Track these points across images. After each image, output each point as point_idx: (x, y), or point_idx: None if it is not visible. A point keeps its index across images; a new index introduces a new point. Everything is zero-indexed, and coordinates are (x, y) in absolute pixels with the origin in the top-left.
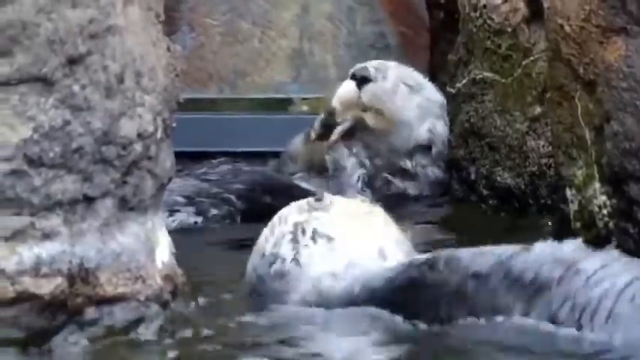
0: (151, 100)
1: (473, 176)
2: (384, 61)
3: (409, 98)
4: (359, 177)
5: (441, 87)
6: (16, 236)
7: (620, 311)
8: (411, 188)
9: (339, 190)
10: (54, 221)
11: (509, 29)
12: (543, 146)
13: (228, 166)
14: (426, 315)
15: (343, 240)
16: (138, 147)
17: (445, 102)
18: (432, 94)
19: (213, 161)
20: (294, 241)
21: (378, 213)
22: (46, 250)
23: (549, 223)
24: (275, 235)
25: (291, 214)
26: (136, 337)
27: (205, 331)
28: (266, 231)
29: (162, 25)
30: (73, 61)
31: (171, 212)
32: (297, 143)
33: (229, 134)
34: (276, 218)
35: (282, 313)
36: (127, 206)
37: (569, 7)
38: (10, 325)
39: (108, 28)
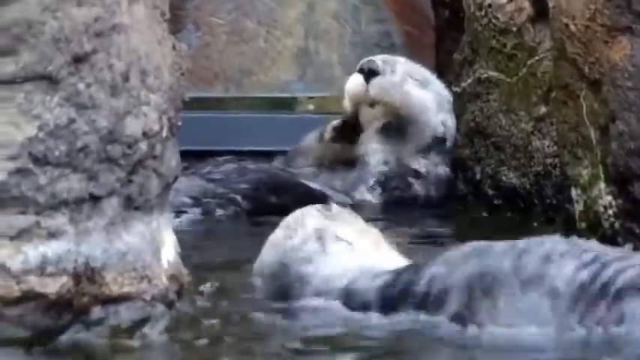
0: (156, 99)
1: (478, 176)
2: (392, 56)
3: (422, 91)
4: (376, 173)
5: (447, 86)
6: (21, 235)
7: None
8: (420, 189)
9: (351, 185)
10: (59, 220)
11: (515, 28)
12: (548, 146)
13: (233, 165)
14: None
15: (360, 246)
16: (143, 146)
17: (451, 98)
18: (440, 89)
19: (218, 159)
20: (319, 242)
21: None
22: (51, 249)
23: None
24: (297, 235)
25: (309, 217)
26: (142, 337)
27: (211, 331)
28: (284, 231)
29: (167, 23)
30: (78, 60)
31: (178, 213)
32: (310, 140)
33: (235, 133)
34: (292, 219)
35: (290, 313)
36: (132, 205)
37: (574, 7)
38: (16, 324)
39: (113, 26)
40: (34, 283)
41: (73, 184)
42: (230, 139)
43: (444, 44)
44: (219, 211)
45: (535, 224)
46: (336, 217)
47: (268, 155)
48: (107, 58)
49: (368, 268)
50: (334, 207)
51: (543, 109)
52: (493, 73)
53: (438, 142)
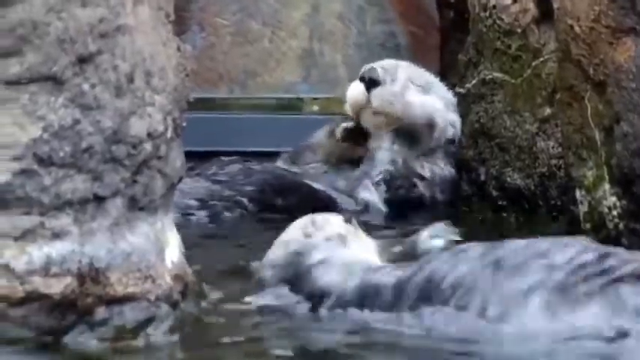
0: (161, 100)
1: (482, 177)
2: (394, 61)
3: (425, 97)
4: (381, 172)
5: (451, 87)
6: (25, 236)
7: None
8: (425, 190)
9: (355, 181)
10: (64, 221)
11: (519, 30)
12: (553, 147)
13: (238, 166)
14: None
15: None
16: (148, 146)
17: (456, 101)
18: (443, 93)
19: (223, 158)
20: (341, 240)
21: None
22: (55, 249)
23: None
24: (317, 235)
25: (332, 221)
26: (146, 337)
27: (215, 331)
28: (301, 231)
29: (172, 24)
30: (83, 60)
31: (185, 215)
32: (319, 136)
33: (239, 134)
34: (310, 221)
35: (296, 314)
36: (137, 206)
37: (579, 8)
38: (20, 325)
39: (118, 27)
40: (38, 283)
41: (77, 185)
42: (234, 139)
43: (448, 45)
44: (226, 214)
45: (539, 225)
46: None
47: (273, 156)
48: (112, 59)
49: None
50: (354, 222)
51: (548, 111)
52: (498, 75)
53: (448, 144)
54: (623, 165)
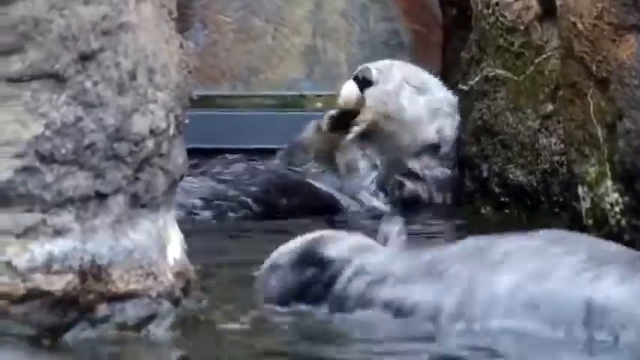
0: (163, 97)
1: (485, 174)
2: (390, 61)
3: (415, 98)
4: (372, 179)
5: (454, 84)
6: (27, 233)
7: None
8: (421, 191)
9: (354, 192)
10: (66, 218)
11: (522, 27)
12: (555, 144)
13: (242, 165)
14: None
15: None
16: (150, 143)
17: (455, 100)
18: (439, 93)
19: (228, 156)
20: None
21: None
22: (57, 246)
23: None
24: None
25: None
26: (147, 334)
27: (217, 329)
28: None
29: (174, 22)
30: (85, 58)
31: (189, 214)
32: (308, 132)
33: (242, 131)
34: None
35: (296, 311)
36: (138, 203)
37: (581, 5)
38: (21, 322)
39: (120, 24)
40: (40, 281)
41: (79, 182)
42: (237, 136)
43: (451, 43)
44: (231, 214)
45: (542, 221)
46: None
47: (275, 153)
48: (114, 56)
49: None
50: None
51: (550, 107)
52: (500, 72)
53: (431, 149)
54: (625, 161)
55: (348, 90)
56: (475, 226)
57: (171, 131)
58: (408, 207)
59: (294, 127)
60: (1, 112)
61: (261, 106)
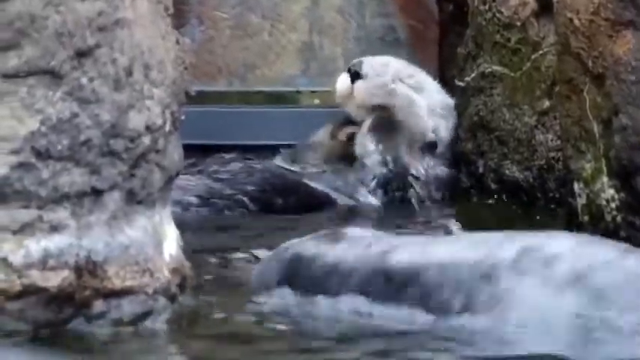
0: (159, 93)
1: (481, 170)
2: (389, 58)
3: (411, 94)
4: (375, 176)
5: (450, 80)
6: (24, 229)
7: None
8: (421, 190)
9: (352, 190)
10: (61, 214)
11: (519, 23)
12: (552, 140)
13: (239, 164)
14: None
15: None
16: (146, 140)
17: (451, 103)
18: (434, 94)
19: (225, 156)
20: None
21: None
22: (53, 242)
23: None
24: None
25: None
26: (144, 331)
27: (213, 325)
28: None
29: (171, 18)
30: (81, 54)
31: (186, 211)
32: (321, 136)
33: (238, 127)
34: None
35: (294, 310)
36: (134, 199)
37: (578, 1)
38: (17, 318)
39: (116, 21)
40: (36, 277)
41: (75, 178)
42: (233, 133)
43: (448, 39)
44: (227, 212)
45: (538, 217)
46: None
47: (272, 149)
48: (110, 52)
49: None
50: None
51: (547, 103)
52: (497, 68)
53: (429, 147)
54: (621, 157)
55: (341, 82)
56: (473, 223)
57: (168, 127)
58: (403, 205)
59: (290, 123)
60: None
61: (257, 102)
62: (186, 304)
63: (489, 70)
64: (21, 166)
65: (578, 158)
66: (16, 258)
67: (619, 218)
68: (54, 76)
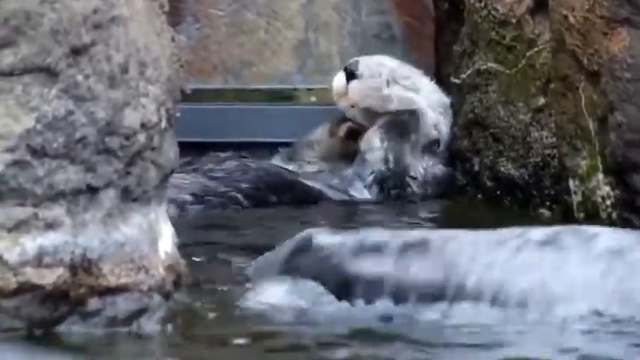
0: (154, 91)
1: (476, 167)
2: (386, 58)
3: (409, 94)
4: (373, 171)
5: (446, 78)
6: (19, 227)
7: None
8: (417, 188)
9: (349, 182)
10: (57, 212)
11: (514, 20)
12: (547, 137)
13: (234, 162)
14: None
15: None
16: (141, 137)
17: (447, 101)
18: (431, 94)
19: (220, 154)
20: None
21: None
22: (49, 240)
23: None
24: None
25: None
26: (138, 328)
27: (208, 322)
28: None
29: (166, 15)
30: (76, 52)
31: (180, 209)
32: (320, 133)
33: (234, 124)
34: None
35: (291, 307)
36: (130, 197)
37: None
38: (12, 316)
39: (112, 18)
40: (31, 274)
41: (70, 176)
42: (229, 130)
43: (443, 36)
44: (221, 210)
45: (533, 214)
46: None
47: (268, 147)
48: (106, 49)
49: None
50: None
51: (542, 101)
52: (492, 65)
53: (431, 145)
54: (616, 155)
55: (337, 81)
56: (468, 221)
57: (163, 125)
58: (399, 202)
59: (286, 120)
60: None
61: (253, 100)
62: (181, 301)
63: (485, 67)
64: (16, 163)
65: (574, 155)
66: (12, 256)
67: (614, 215)
68: (49, 73)
